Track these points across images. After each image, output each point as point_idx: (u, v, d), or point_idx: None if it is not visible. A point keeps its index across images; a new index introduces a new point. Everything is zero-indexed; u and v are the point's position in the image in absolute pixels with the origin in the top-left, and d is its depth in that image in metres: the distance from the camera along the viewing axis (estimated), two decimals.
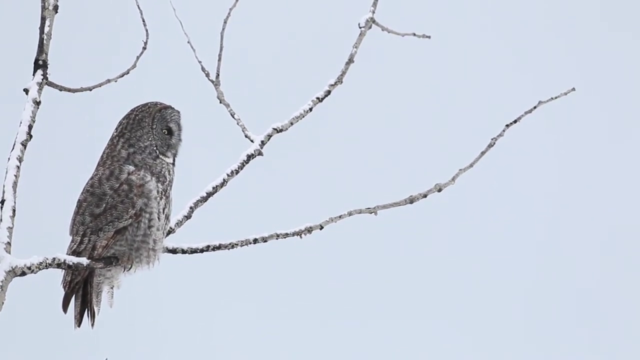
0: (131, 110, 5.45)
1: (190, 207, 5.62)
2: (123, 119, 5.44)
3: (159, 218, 5.33)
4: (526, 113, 5.76)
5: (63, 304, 5.35)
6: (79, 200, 5.34)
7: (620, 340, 8.49)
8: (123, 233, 5.31)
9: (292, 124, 5.77)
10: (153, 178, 5.35)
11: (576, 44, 8.83)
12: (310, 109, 5.80)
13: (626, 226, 8.65)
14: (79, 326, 5.36)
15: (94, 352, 6.01)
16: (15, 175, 5.29)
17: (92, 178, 5.36)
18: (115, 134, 5.43)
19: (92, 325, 5.38)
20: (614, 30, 8.87)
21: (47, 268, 5.18)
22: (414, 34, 5.86)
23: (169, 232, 5.54)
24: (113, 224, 5.29)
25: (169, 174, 5.42)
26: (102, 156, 5.42)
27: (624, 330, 8.50)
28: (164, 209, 5.36)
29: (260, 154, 5.72)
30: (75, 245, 5.30)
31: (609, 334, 8.51)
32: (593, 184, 8.72)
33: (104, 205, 5.30)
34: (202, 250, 5.54)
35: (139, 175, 5.33)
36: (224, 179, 5.66)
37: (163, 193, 5.36)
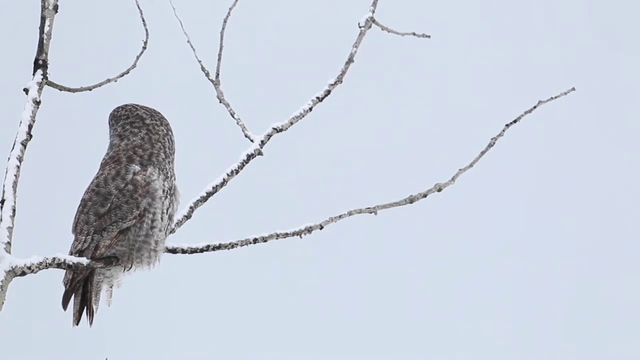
0: (146, 113, 5.42)
1: (190, 207, 5.61)
2: (130, 119, 5.40)
3: (161, 218, 5.32)
4: (526, 113, 5.75)
5: (63, 301, 5.34)
6: (83, 199, 5.32)
7: (615, 340, 8.49)
8: (126, 233, 5.29)
9: (292, 123, 5.77)
10: (160, 176, 5.33)
11: (577, 44, 8.82)
12: (310, 109, 5.79)
13: (626, 227, 8.65)
14: (77, 324, 5.35)
15: (94, 352, 6.01)
16: (15, 175, 5.28)
17: (97, 177, 5.33)
18: (120, 131, 5.40)
19: (90, 324, 5.37)
20: (612, 30, 8.87)
21: (47, 268, 5.17)
22: (414, 34, 5.86)
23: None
24: (117, 224, 5.27)
25: (173, 172, 5.42)
26: (105, 156, 5.40)
27: (621, 332, 8.51)
28: (167, 209, 5.34)
29: (260, 153, 5.72)
30: (79, 244, 5.29)
31: (609, 339, 8.51)
32: (592, 184, 8.72)
33: (109, 205, 5.28)
34: (202, 250, 5.53)
35: (144, 175, 5.31)
36: (224, 179, 5.66)
37: (168, 191, 5.34)
